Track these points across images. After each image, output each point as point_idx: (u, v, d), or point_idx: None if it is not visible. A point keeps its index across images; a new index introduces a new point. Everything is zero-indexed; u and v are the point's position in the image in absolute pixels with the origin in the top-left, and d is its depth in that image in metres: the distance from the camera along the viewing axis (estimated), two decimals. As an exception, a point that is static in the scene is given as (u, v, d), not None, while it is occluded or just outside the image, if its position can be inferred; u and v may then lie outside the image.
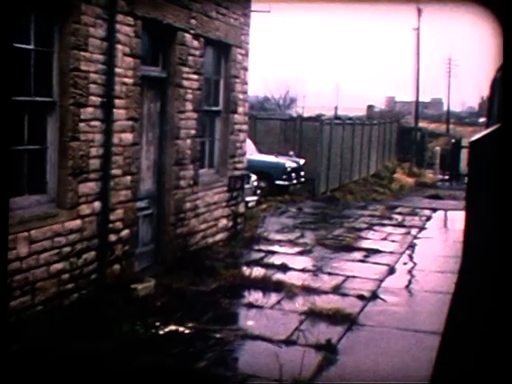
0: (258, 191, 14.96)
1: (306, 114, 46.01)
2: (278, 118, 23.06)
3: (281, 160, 18.35)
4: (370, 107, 54.30)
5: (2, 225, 3.83)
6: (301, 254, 11.09)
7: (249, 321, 7.43)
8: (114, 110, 7.94)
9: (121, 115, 8.11)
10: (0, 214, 3.74)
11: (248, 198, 13.93)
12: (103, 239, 7.88)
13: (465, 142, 26.39)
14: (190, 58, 9.94)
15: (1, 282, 4.29)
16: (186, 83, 9.85)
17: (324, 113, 55.16)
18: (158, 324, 7.15)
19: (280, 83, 74.36)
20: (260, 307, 7.99)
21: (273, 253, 11.04)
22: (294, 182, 18.36)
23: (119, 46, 7.97)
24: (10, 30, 4.11)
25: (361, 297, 8.59)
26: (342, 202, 18.17)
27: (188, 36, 9.81)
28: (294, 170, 18.30)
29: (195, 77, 10.13)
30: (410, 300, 8.78)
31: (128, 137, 8.32)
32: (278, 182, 17.87)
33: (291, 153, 19.32)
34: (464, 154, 25.66)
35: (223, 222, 11.57)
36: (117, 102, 7.99)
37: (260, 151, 19.70)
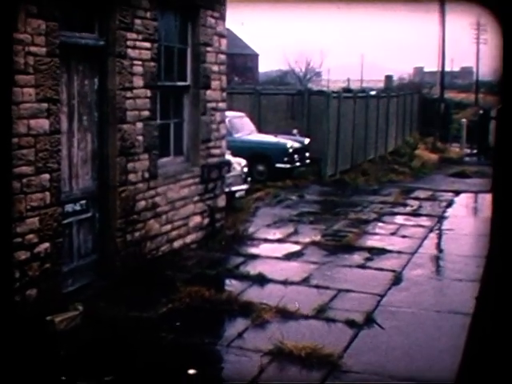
0: (249, 178, 12.93)
1: (331, 88, 43.39)
2: (284, 93, 20.85)
3: (281, 140, 16.22)
4: (387, 78, 51.13)
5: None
6: (288, 258, 9.11)
7: (191, 369, 5.51)
8: (16, 90, 6.03)
9: (28, 96, 6.19)
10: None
11: (235, 188, 11.95)
12: (6, 259, 6.02)
13: (494, 113, 24.11)
14: (138, 21, 7.96)
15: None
16: (132, 53, 7.88)
17: (349, 86, 52.48)
18: (63, 378, 5.30)
19: (301, 56, 71.85)
20: (213, 344, 6.08)
21: (254, 257, 9.09)
22: (298, 164, 16.25)
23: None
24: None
25: (351, 323, 6.63)
26: (352, 185, 16.04)
27: (133, -7, 7.83)
28: (296, 150, 16.17)
29: (146, 45, 8.14)
30: (415, 324, 6.74)
31: (42, 123, 6.40)
32: (278, 165, 15.78)
33: (294, 131, 17.17)
34: (493, 126, 23.46)
35: (196, 219, 9.63)
36: (20, 78, 6.07)
37: (263, 130, 17.65)
